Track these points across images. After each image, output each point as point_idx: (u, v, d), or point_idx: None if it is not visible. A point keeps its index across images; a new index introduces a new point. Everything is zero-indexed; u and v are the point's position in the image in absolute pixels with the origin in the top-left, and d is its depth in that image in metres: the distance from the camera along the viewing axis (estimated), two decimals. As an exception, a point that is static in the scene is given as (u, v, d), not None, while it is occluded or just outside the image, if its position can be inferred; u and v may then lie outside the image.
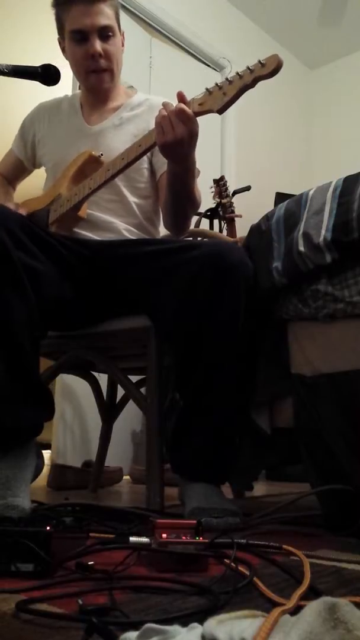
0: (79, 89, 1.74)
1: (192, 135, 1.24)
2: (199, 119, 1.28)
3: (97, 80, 1.56)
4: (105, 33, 1.50)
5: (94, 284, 1.40)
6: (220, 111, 1.21)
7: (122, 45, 1.58)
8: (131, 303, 1.39)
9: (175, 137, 1.22)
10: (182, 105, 1.22)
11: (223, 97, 1.20)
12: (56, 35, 1.59)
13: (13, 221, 1.17)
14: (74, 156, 1.54)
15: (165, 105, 1.25)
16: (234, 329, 1.20)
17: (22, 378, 1.15)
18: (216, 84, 1.22)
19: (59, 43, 1.59)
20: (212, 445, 1.22)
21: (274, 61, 1.12)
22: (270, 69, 1.13)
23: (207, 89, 1.23)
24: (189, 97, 1.27)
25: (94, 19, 1.47)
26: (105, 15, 1.49)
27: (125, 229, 1.54)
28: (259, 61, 1.14)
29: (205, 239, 2.39)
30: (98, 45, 1.49)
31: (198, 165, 1.63)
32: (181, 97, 1.24)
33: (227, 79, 1.19)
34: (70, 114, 1.65)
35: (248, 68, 1.15)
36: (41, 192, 1.66)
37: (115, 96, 1.64)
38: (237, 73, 1.17)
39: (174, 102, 1.39)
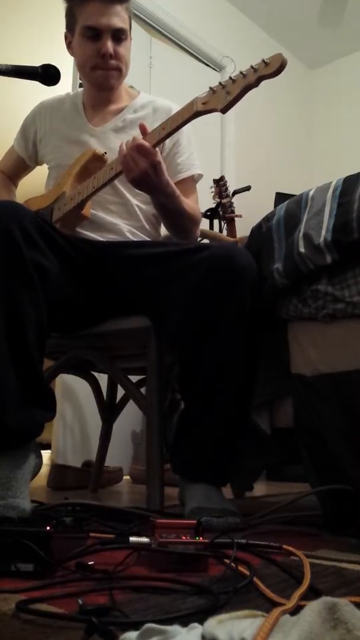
0: (80, 87, 1.73)
1: (153, 166, 1.31)
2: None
3: (104, 76, 1.55)
4: (118, 35, 1.49)
5: (100, 285, 1.40)
6: (224, 110, 1.22)
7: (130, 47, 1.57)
8: (136, 304, 1.39)
9: (140, 171, 1.30)
10: (139, 141, 1.29)
11: (227, 96, 1.20)
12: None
13: (26, 218, 1.17)
14: (76, 156, 1.54)
15: (122, 146, 1.32)
16: (240, 331, 1.20)
17: (28, 378, 1.15)
18: (220, 83, 1.22)
19: (65, 37, 1.57)
20: (214, 446, 1.22)
21: (277, 60, 1.12)
22: (274, 68, 1.12)
23: (210, 88, 1.23)
24: (189, 97, 1.28)
25: (111, 19, 1.47)
26: (121, 18, 1.49)
27: (128, 231, 1.55)
28: (263, 60, 1.13)
29: (205, 240, 2.39)
30: (110, 46, 1.49)
31: (200, 166, 1.63)
32: (143, 130, 1.32)
33: (230, 78, 1.19)
34: (72, 113, 1.64)
35: (252, 67, 1.15)
36: (43, 190, 1.66)
37: (119, 97, 1.64)
38: (241, 72, 1.17)
39: (177, 102, 1.40)
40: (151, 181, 1.33)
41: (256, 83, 1.16)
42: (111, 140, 1.57)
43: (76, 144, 1.57)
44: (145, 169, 1.30)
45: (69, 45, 1.58)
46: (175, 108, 1.56)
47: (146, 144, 1.29)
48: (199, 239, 2.50)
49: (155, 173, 1.32)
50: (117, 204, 1.55)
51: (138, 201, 1.57)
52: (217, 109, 1.22)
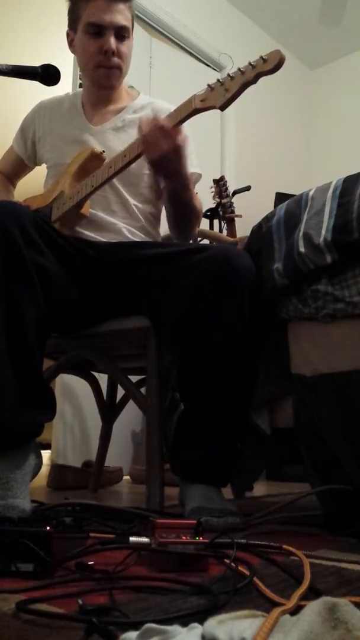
0: (80, 87, 1.73)
1: (175, 149, 1.28)
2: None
3: (106, 75, 1.55)
4: (121, 33, 1.50)
5: (99, 285, 1.40)
6: (222, 107, 1.21)
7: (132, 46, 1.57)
8: (135, 304, 1.39)
9: (161, 152, 1.27)
10: (160, 122, 1.26)
11: (225, 94, 1.19)
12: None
13: (25, 218, 1.16)
14: (75, 155, 1.54)
15: (142, 121, 1.29)
16: (239, 332, 1.20)
17: (28, 378, 1.15)
18: (218, 80, 1.22)
19: (67, 35, 1.58)
20: (214, 447, 1.22)
21: (276, 57, 1.12)
22: (272, 64, 1.12)
23: (208, 85, 1.23)
24: (189, 97, 1.27)
25: (114, 16, 1.48)
26: (125, 16, 1.50)
27: (127, 231, 1.55)
28: (261, 57, 1.13)
29: (205, 240, 2.39)
30: (113, 43, 1.49)
31: (199, 166, 1.63)
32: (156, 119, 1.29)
33: (228, 74, 1.19)
34: (71, 113, 1.64)
35: (250, 64, 1.15)
36: (42, 190, 1.66)
37: (118, 97, 1.64)
38: (239, 69, 1.17)
39: (177, 103, 1.39)
40: (170, 165, 1.30)
41: (254, 80, 1.16)
42: (110, 139, 1.57)
43: (75, 143, 1.57)
44: (166, 151, 1.26)
45: (70, 44, 1.58)
46: None
47: (167, 125, 1.26)
48: (199, 239, 2.50)
49: (175, 157, 1.29)
50: (116, 204, 1.55)
51: (137, 201, 1.57)
52: (216, 106, 1.21)
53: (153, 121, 1.27)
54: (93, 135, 1.59)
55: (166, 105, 1.62)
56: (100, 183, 1.41)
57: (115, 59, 1.52)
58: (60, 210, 1.49)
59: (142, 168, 1.55)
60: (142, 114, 1.60)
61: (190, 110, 1.26)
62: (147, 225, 1.60)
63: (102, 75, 1.55)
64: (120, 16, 1.48)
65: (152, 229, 1.62)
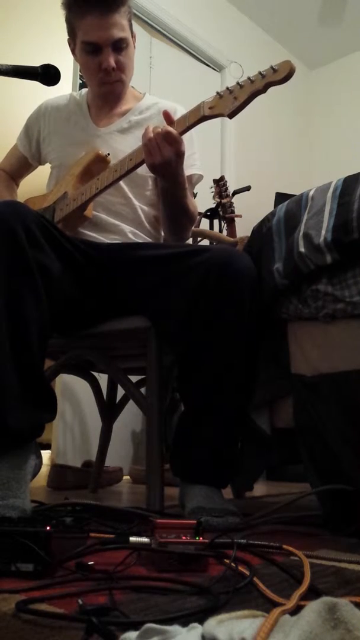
0: (80, 87, 1.73)
1: (178, 156, 1.29)
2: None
3: (110, 90, 1.56)
4: (119, 45, 1.47)
5: (100, 285, 1.40)
6: (231, 115, 1.22)
7: (134, 47, 1.55)
8: (136, 305, 1.39)
9: (163, 159, 1.28)
10: (168, 128, 1.27)
11: (234, 102, 1.20)
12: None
13: (30, 218, 1.16)
14: (80, 156, 1.54)
15: (148, 129, 1.29)
16: (239, 333, 1.20)
17: (29, 378, 1.15)
18: (227, 88, 1.22)
19: (69, 44, 1.57)
20: (214, 448, 1.22)
21: (286, 67, 1.13)
22: (282, 75, 1.13)
23: (217, 93, 1.23)
24: (189, 97, 1.28)
25: (109, 32, 1.44)
26: (120, 27, 1.45)
27: (130, 232, 1.55)
28: (271, 67, 1.14)
29: (205, 240, 2.39)
30: (112, 59, 1.47)
31: (199, 167, 1.64)
32: (167, 117, 1.29)
33: (238, 83, 1.19)
34: (77, 114, 1.64)
35: (260, 73, 1.16)
36: (44, 190, 1.66)
37: (124, 100, 1.64)
38: (249, 78, 1.18)
39: (177, 103, 1.40)
40: (170, 169, 1.32)
41: (264, 89, 1.17)
42: (116, 141, 1.57)
43: (80, 145, 1.57)
44: (168, 158, 1.28)
45: (73, 52, 1.58)
46: (181, 109, 1.56)
47: (174, 132, 1.27)
48: (199, 239, 2.50)
49: (177, 163, 1.30)
50: (120, 205, 1.55)
51: (142, 203, 1.58)
52: (224, 114, 1.22)
53: (161, 128, 1.27)
54: (99, 137, 1.59)
55: (172, 105, 1.61)
56: (105, 186, 1.41)
57: (116, 74, 1.51)
58: (64, 212, 1.49)
59: (147, 171, 1.55)
60: (148, 115, 1.60)
61: (198, 117, 1.26)
62: (150, 228, 1.60)
63: (106, 91, 1.56)
64: (115, 29, 1.44)
65: (155, 231, 1.62)
